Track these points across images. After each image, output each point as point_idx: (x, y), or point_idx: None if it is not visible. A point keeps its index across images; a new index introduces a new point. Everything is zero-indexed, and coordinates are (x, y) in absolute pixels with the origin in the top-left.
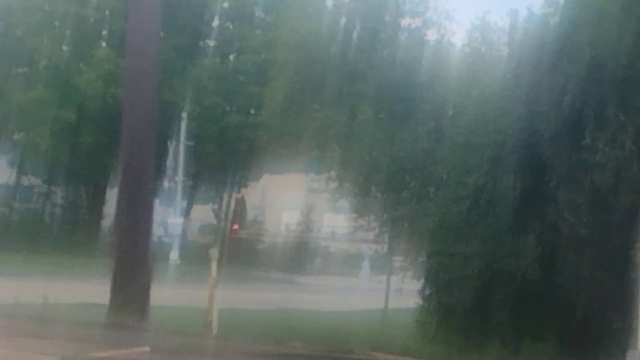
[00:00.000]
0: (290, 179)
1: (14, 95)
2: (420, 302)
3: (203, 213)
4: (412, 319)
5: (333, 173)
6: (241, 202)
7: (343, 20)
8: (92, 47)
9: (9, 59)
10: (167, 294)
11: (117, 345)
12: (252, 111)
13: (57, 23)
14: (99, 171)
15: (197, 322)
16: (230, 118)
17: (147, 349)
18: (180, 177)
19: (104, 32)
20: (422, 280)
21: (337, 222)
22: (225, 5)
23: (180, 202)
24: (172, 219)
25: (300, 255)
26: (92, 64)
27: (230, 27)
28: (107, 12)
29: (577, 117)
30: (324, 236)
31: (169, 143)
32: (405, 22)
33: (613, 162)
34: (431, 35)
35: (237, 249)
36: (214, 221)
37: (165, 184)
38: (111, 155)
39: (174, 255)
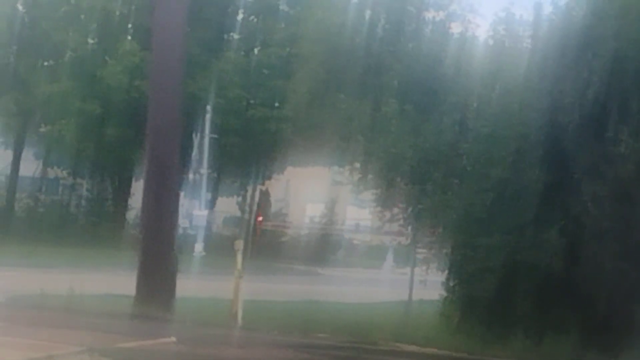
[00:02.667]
0: (314, 172)
1: (40, 88)
2: (444, 294)
3: (227, 205)
4: (436, 311)
5: (357, 165)
6: (265, 195)
7: (367, 12)
8: (117, 41)
9: (35, 52)
10: (192, 285)
11: (143, 336)
12: (276, 104)
13: (82, 16)
14: (124, 163)
15: (222, 313)
16: (255, 111)
17: (173, 339)
18: (204, 170)
19: (129, 26)
20: (446, 272)
21: (360, 214)
22: None
23: (205, 195)
24: (197, 211)
25: (324, 248)
26: (117, 57)
27: (255, 20)
28: (132, 6)
29: (600, 110)
30: (347, 228)
31: (193, 136)
32: (429, 14)
33: (636, 154)
34: (455, 28)
35: (262, 241)
36: (238, 213)
37: (190, 176)
38: (136, 148)
39: (199, 247)
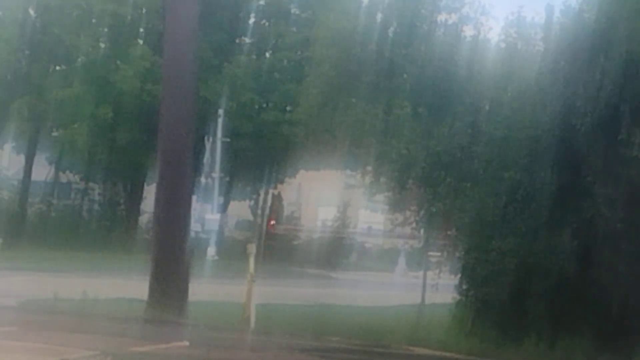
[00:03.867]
0: (326, 175)
1: (52, 93)
2: (457, 297)
3: (240, 209)
4: (449, 314)
5: (369, 168)
6: (277, 198)
7: (379, 16)
8: (128, 45)
9: (47, 56)
10: (205, 289)
11: (155, 340)
12: (288, 108)
13: (94, 21)
14: (136, 168)
15: (234, 317)
16: (267, 115)
17: (185, 343)
18: (217, 174)
19: (141, 30)
20: (459, 276)
21: (373, 217)
22: (261, 2)
23: (217, 199)
24: (209, 215)
25: (336, 251)
26: (129, 62)
27: (266, 24)
28: (143, 10)
29: (613, 112)
30: (360, 232)
31: (206, 140)
32: (441, 17)
33: None
34: (467, 31)
35: (274, 244)
36: (250, 217)
37: (203, 180)
38: (148, 152)
39: (212, 251)
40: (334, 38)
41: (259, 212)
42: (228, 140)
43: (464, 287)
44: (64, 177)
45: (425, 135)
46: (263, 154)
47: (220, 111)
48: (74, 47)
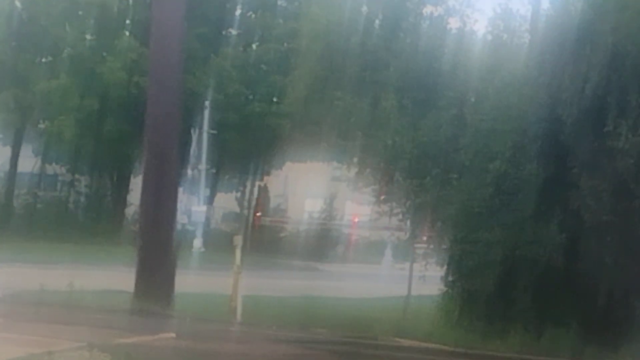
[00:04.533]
0: (313, 167)
1: (39, 85)
2: (444, 289)
3: (226, 201)
4: (435, 306)
5: (355, 160)
6: (264, 190)
7: (365, 8)
8: (115, 37)
9: (33, 48)
10: (191, 281)
11: (142, 331)
12: (274, 99)
13: (80, 12)
14: (123, 160)
15: (221, 308)
16: (253, 106)
17: (172, 335)
18: (203, 166)
19: (128, 22)
20: (445, 267)
21: (359, 209)
22: None
23: (203, 190)
24: (195, 207)
25: (323, 243)
26: (116, 53)
27: (253, 16)
28: (130, 2)
29: (599, 104)
30: (346, 224)
31: (192, 132)
32: (427, 10)
33: (635, 148)
34: (453, 23)
35: (261, 236)
36: (237, 209)
37: (189, 172)
38: (135, 144)
39: (198, 243)
40: (320, 30)
41: (246, 204)
42: (215, 132)
43: (451, 278)
44: (50, 169)
45: (411, 127)
46: (250, 145)
47: (207, 103)
48: (60, 38)
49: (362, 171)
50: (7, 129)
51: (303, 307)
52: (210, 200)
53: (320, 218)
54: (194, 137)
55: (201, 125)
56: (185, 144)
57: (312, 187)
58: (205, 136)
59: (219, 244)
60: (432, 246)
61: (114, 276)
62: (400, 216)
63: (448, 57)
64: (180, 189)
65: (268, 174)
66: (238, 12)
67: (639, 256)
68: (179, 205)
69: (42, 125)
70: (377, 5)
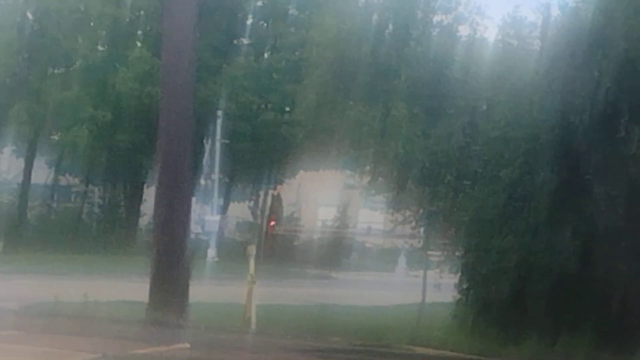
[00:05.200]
0: (325, 175)
1: (51, 96)
2: (458, 296)
3: (239, 210)
4: (450, 313)
5: (368, 169)
6: (277, 199)
7: (375, 17)
8: (127, 47)
9: (45, 59)
10: (205, 291)
11: (157, 342)
12: (286, 108)
13: (92, 24)
14: (136, 170)
15: (235, 318)
16: (265, 116)
17: (187, 345)
18: (216, 175)
19: (139, 32)
20: (459, 275)
21: (373, 217)
22: (259, 3)
23: (217, 200)
24: (209, 216)
25: (336, 251)
26: (128, 64)
27: (265, 25)
28: (141, 12)
29: (611, 110)
30: (360, 232)
31: (205, 141)
32: (437, 18)
33: None
34: (463, 31)
35: (274, 245)
36: (250, 218)
37: (202, 181)
38: (148, 154)
39: (212, 252)
40: (331, 39)
41: (259, 213)
42: (227, 141)
43: (464, 286)
44: (63, 180)
45: (422, 135)
46: (262, 154)
47: (219, 112)
48: (72, 50)
49: (374, 179)
50: (20, 141)
51: (317, 316)
52: (223, 210)
53: (334, 226)
54: (207, 147)
55: (214, 135)
56: (198, 153)
57: (325, 196)
58: (218, 145)
59: (232, 254)
60: (445, 253)
61: (128, 287)
62: (414, 224)
63: (459, 65)
64: (194, 199)
65: (281, 182)
66: (249, 21)
67: None
68: (192, 215)
69: (55, 137)
70: (388, 14)
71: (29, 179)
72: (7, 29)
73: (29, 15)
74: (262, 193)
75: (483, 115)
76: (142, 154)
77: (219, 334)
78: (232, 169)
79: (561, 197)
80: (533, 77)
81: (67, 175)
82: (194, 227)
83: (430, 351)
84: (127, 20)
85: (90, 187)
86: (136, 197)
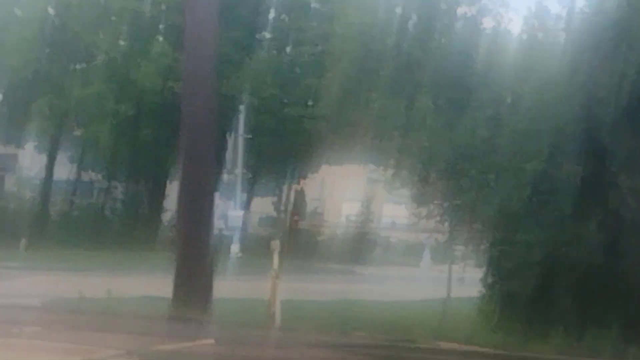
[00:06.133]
0: (349, 170)
1: (73, 91)
2: (483, 291)
3: (263, 205)
4: (475, 308)
5: (392, 162)
6: (300, 194)
7: (399, 9)
8: (149, 42)
9: (67, 55)
10: (229, 286)
11: (181, 338)
12: (309, 103)
13: (113, 18)
14: (158, 165)
15: (260, 314)
16: (288, 110)
17: (211, 341)
18: (239, 170)
19: (161, 27)
20: (484, 269)
21: (397, 212)
22: None
23: (240, 195)
24: (232, 211)
25: (360, 246)
26: (150, 59)
27: (286, 19)
28: (163, 7)
29: (636, 103)
30: (384, 226)
31: (227, 136)
32: (461, 10)
33: None
34: (487, 23)
35: (298, 240)
36: (273, 213)
37: (225, 177)
38: (170, 149)
39: (235, 248)
40: (353, 32)
41: (282, 208)
42: (250, 136)
43: (490, 280)
44: (86, 176)
45: (447, 128)
46: (285, 149)
47: (242, 107)
48: (94, 45)
49: (398, 173)
50: (42, 137)
51: (342, 311)
52: (246, 205)
53: (358, 221)
54: (230, 142)
55: (237, 130)
56: (221, 148)
57: (348, 190)
58: (240, 140)
59: (256, 249)
60: (470, 248)
61: (151, 282)
62: (438, 218)
63: (483, 57)
64: (217, 194)
65: (304, 177)
66: (271, 15)
67: None
68: (215, 210)
69: (77, 132)
70: (411, 6)
71: (51, 175)
72: (29, 25)
73: (50, 11)
74: (285, 188)
75: (508, 107)
76: (164, 150)
77: (243, 329)
78: (255, 164)
79: (587, 190)
80: (558, 70)
81: (89, 171)
82: (217, 223)
83: (456, 346)
84: (149, 14)
85: (113, 182)
86: (159, 193)
